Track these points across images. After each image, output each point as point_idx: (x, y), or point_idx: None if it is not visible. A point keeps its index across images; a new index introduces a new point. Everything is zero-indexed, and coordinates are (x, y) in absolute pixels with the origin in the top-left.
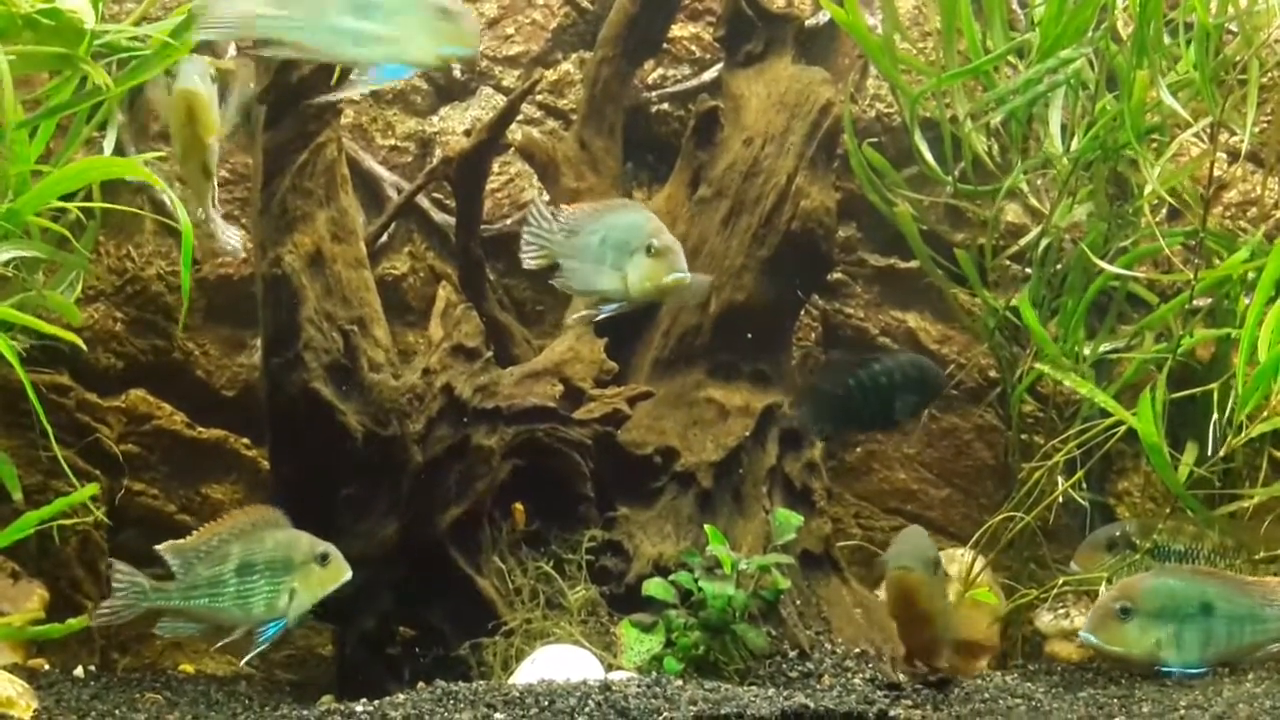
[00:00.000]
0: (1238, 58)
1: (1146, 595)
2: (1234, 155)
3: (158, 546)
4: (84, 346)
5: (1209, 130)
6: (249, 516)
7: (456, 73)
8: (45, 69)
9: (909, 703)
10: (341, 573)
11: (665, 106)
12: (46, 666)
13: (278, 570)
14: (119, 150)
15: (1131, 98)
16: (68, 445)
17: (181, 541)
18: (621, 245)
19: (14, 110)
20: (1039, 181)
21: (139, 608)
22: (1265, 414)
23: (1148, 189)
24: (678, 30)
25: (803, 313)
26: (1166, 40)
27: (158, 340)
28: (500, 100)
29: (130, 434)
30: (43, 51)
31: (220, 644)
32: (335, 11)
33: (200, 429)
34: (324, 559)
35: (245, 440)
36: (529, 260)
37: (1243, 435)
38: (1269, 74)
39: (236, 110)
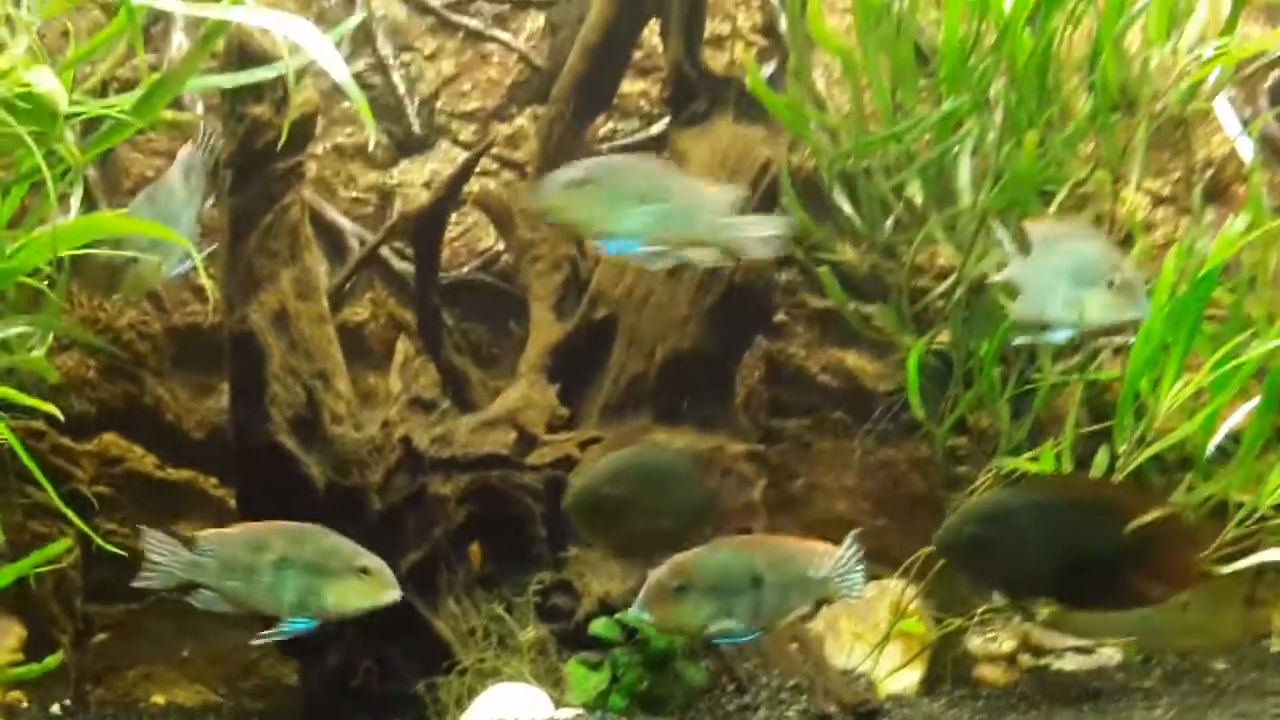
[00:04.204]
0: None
1: (700, 571)
2: (1156, 200)
3: (197, 534)
4: (59, 415)
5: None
6: (295, 525)
7: (415, 127)
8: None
9: None
10: (380, 591)
11: None
12: (25, 704)
13: (313, 572)
14: (91, 205)
15: (1023, 155)
16: (43, 489)
17: (225, 531)
18: (1079, 275)
19: None
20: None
21: (176, 576)
22: (1155, 435)
23: None
24: (627, 86)
25: (746, 353)
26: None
27: (129, 386)
28: (458, 154)
29: (103, 476)
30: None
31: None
32: None
33: (170, 469)
34: (364, 572)
35: (213, 480)
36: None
37: (1140, 454)
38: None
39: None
